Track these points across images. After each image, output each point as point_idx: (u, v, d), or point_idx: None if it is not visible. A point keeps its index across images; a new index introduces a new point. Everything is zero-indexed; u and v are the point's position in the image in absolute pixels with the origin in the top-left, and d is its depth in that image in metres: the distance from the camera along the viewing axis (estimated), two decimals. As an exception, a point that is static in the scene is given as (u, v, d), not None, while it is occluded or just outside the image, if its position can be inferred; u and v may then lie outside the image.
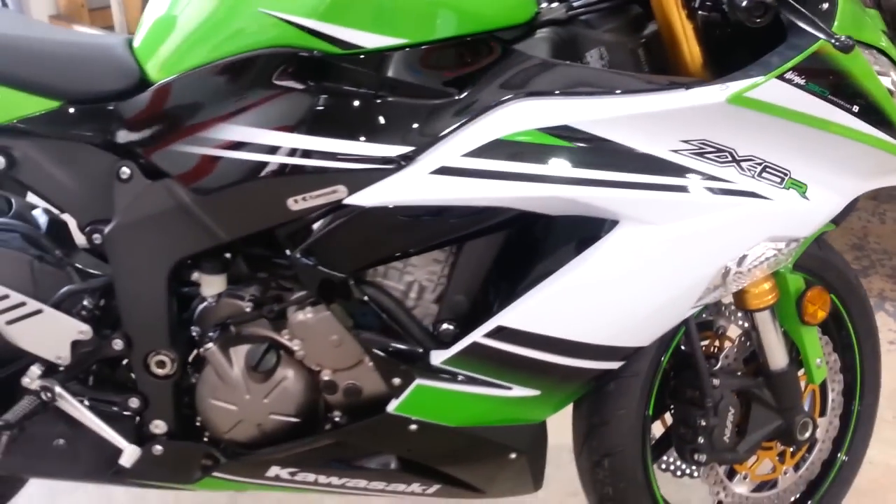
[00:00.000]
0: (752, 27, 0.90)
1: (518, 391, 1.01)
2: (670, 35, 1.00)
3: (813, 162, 0.95)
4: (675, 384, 1.19)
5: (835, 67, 0.91)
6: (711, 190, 0.92)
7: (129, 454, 1.06)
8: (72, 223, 1.11)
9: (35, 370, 1.06)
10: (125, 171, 1.00)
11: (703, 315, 1.20)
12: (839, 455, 1.33)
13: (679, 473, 1.27)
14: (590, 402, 1.16)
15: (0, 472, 1.15)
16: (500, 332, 0.96)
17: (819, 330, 1.20)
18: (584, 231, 0.97)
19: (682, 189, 0.91)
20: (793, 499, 1.33)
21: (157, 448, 1.09)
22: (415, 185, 0.91)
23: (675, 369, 1.19)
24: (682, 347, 1.18)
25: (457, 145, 0.90)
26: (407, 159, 0.91)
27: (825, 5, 0.91)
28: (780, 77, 0.88)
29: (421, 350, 1.00)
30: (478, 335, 0.97)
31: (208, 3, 0.96)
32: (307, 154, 0.94)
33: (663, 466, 1.25)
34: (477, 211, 0.93)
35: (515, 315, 0.95)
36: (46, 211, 1.18)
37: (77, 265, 1.09)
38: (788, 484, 1.30)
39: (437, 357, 0.99)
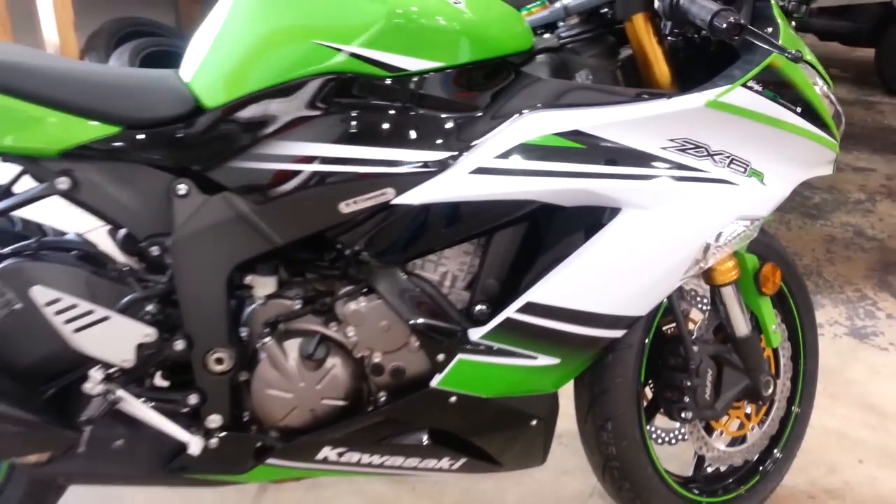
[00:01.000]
0: (725, 43, 1.12)
1: (542, 360, 1.18)
2: (643, 57, 1.22)
3: (767, 155, 1.18)
4: (661, 355, 1.39)
5: (782, 77, 1.14)
6: (693, 179, 1.13)
7: (194, 445, 1.15)
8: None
9: (97, 375, 1.14)
10: (182, 188, 1.12)
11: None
12: (793, 409, 1.55)
13: (668, 439, 1.45)
14: (591, 374, 1.33)
15: (62, 479, 1.21)
16: (529, 308, 1.13)
17: (771, 301, 1.43)
18: (590, 219, 1.15)
19: (671, 178, 1.12)
20: (759, 452, 1.54)
21: (213, 441, 1.19)
22: (457, 184, 1.07)
23: (656, 344, 1.39)
24: (663, 328, 1.38)
25: (489, 149, 1.08)
26: (447, 163, 1.08)
27: (769, 29, 1.15)
28: (744, 85, 1.11)
29: (460, 329, 1.15)
30: (510, 311, 1.13)
31: (260, 37, 1.09)
32: (357, 163, 1.08)
33: (653, 437, 1.43)
34: (506, 204, 1.11)
35: (541, 292, 1.13)
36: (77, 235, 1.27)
37: (135, 275, 1.18)
38: (755, 439, 1.51)
39: (476, 334, 1.15)
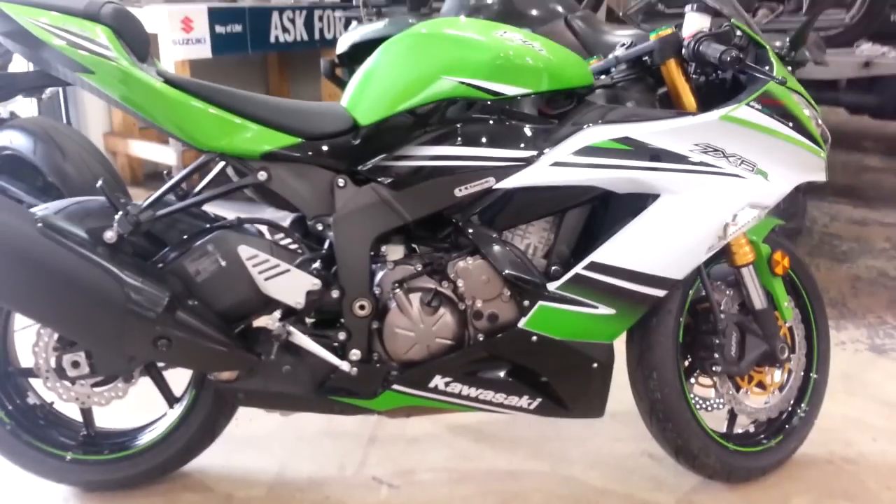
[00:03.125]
0: (731, 75, 1.55)
1: (602, 310, 1.56)
2: (675, 92, 1.65)
3: (769, 158, 1.58)
4: (695, 329, 1.76)
5: (777, 99, 1.56)
6: (713, 172, 1.53)
7: (346, 367, 1.56)
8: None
9: (275, 315, 1.57)
10: (341, 181, 1.57)
11: (702, 292, 1.78)
12: (811, 375, 1.89)
13: (705, 406, 1.78)
14: (639, 334, 1.71)
15: (242, 396, 1.60)
16: (592, 266, 1.53)
17: (783, 283, 1.80)
18: (637, 204, 1.56)
19: (697, 172, 1.53)
20: (781, 412, 1.87)
21: (354, 370, 1.60)
22: (540, 174, 1.51)
23: (689, 330, 1.76)
24: (696, 307, 1.76)
25: (564, 149, 1.51)
26: (533, 158, 1.51)
27: (766, 67, 1.57)
28: (748, 104, 1.53)
29: (541, 281, 1.55)
30: (579, 268, 1.54)
31: (402, 73, 1.56)
32: (468, 159, 1.52)
33: (693, 402, 1.77)
34: (575, 190, 1.53)
35: (601, 253, 1.53)
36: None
37: (304, 244, 1.62)
38: (777, 401, 1.85)
39: (553, 286, 1.55)
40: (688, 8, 1.66)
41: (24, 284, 1.43)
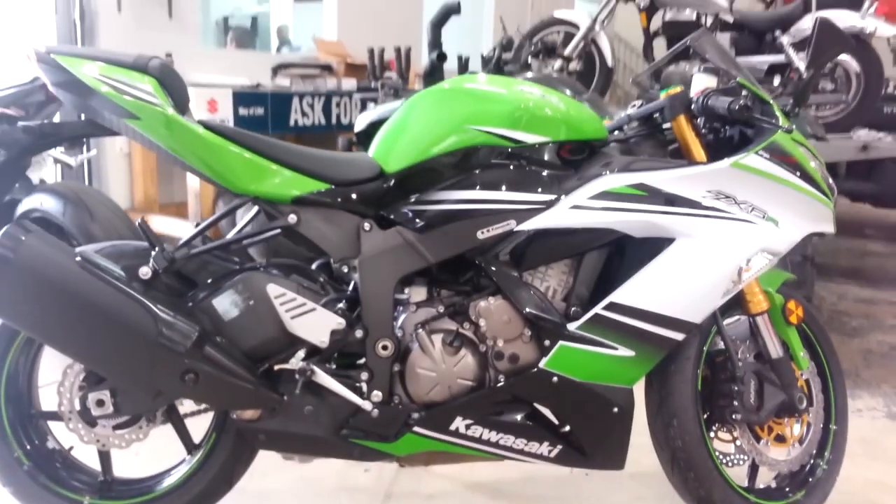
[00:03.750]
0: (739, 132, 1.64)
1: (622, 351, 1.59)
2: (686, 146, 1.73)
3: (779, 206, 1.64)
4: (713, 380, 1.78)
5: (784, 149, 1.64)
6: (726, 218, 1.60)
7: (368, 406, 1.57)
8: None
9: (300, 354, 1.60)
10: (367, 225, 1.63)
11: (718, 345, 1.81)
12: (830, 426, 1.88)
13: (726, 462, 1.77)
14: (658, 381, 1.73)
15: (262, 437, 1.61)
16: (611, 306, 1.57)
17: (798, 334, 1.82)
18: (653, 250, 1.62)
19: (710, 217, 1.59)
20: (802, 465, 1.85)
21: (375, 411, 1.61)
22: (560, 216, 1.57)
23: (709, 369, 1.78)
24: (714, 359, 1.78)
25: (582, 193, 1.58)
26: (552, 202, 1.58)
27: (773, 120, 1.66)
28: (756, 153, 1.61)
29: (561, 322, 1.59)
30: (598, 308, 1.57)
31: (428, 124, 1.64)
32: (490, 202, 1.59)
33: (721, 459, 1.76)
34: (593, 233, 1.58)
35: (620, 294, 1.57)
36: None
37: (330, 285, 1.66)
38: (797, 453, 1.83)
39: (573, 326, 1.58)
40: (695, 70, 1.77)
41: (58, 315, 1.47)
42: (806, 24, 4.57)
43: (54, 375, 1.62)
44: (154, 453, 1.80)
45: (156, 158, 4.20)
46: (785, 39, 4.63)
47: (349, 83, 5.14)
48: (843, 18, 4.46)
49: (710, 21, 4.65)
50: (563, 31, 4.92)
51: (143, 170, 4.39)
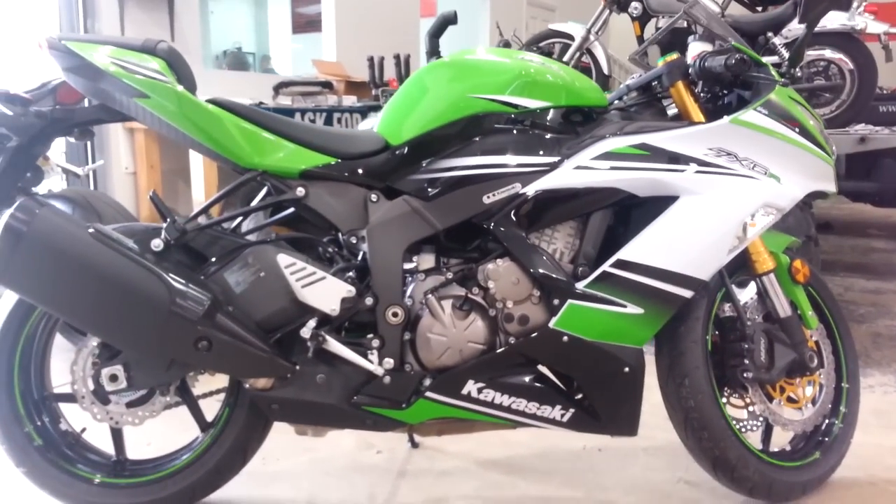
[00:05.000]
0: (737, 96, 1.67)
1: (630, 309, 1.60)
2: (685, 112, 1.76)
3: (780, 163, 1.66)
4: (723, 342, 1.78)
5: (783, 105, 1.67)
6: (728, 174, 1.62)
7: (380, 371, 1.58)
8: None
9: (311, 323, 1.60)
10: (374, 196, 1.65)
11: (726, 309, 1.82)
12: (843, 384, 1.88)
13: (738, 427, 1.75)
14: (668, 343, 1.73)
15: (276, 407, 1.61)
16: (619, 263, 1.58)
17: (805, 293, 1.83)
18: (657, 210, 1.63)
19: (713, 173, 1.61)
20: (815, 426, 1.85)
21: (387, 378, 1.61)
22: (564, 177, 1.59)
23: (718, 331, 1.79)
24: (721, 316, 1.79)
25: (585, 155, 1.60)
26: (556, 164, 1.60)
27: (767, 81, 1.70)
28: (756, 109, 1.63)
29: (570, 281, 1.60)
30: (606, 266, 1.58)
31: (431, 96, 1.68)
32: (495, 167, 1.61)
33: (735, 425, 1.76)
34: (597, 192, 1.60)
35: (627, 251, 1.58)
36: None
37: (339, 255, 1.68)
38: (811, 414, 1.83)
39: (581, 284, 1.59)
40: (691, 39, 1.81)
41: (72, 286, 1.48)
42: (797, 26, 4.64)
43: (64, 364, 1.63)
44: (166, 442, 1.80)
45: (160, 176, 4.24)
46: (777, 41, 4.69)
47: (350, 100, 5.21)
48: (834, 17, 4.53)
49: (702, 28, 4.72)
50: (560, 44, 5.01)
51: (148, 188, 4.42)
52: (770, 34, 4.89)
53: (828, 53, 4.63)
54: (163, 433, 1.82)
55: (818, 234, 3.44)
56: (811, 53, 4.57)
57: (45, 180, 2.77)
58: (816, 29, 4.45)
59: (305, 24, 9.29)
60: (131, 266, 1.50)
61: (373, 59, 3.90)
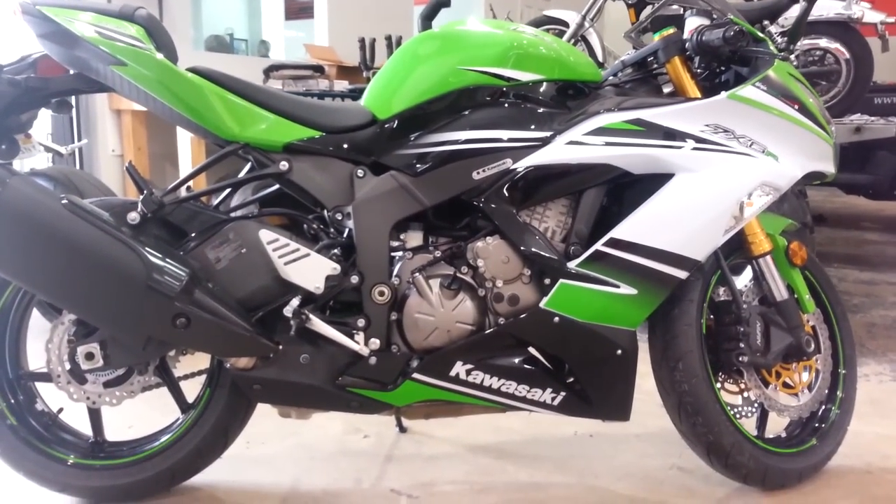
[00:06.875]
0: (734, 73, 1.62)
1: (623, 289, 1.55)
2: (682, 88, 1.70)
3: (779, 142, 1.62)
4: (718, 325, 1.73)
5: (782, 81, 1.62)
6: (725, 151, 1.57)
7: (365, 352, 1.53)
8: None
9: (294, 302, 1.55)
10: (360, 172, 1.60)
11: (721, 292, 1.78)
12: (840, 370, 1.84)
13: (733, 413, 1.71)
14: (661, 325, 1.68)
15: (258, 388, 1.56)
16: (612, 242, 1.53)
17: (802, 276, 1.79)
18: (651, 189, 1.58)
19: (709, 150, 1.56)
20: (811, 412, 1.81)
21: (373, 359, 1.56)
22: (556, 152, 1.54)
23: (713, 313, 1.74)
24: (716, 300, 1.74)
25: (578, 130, 1.55)
26: (548, 139, 1.55)
27: (766, 57, 1.64)
28: (754, 85, 1.58)
29: (561, 260, 1.55)
30: (599, 244, 1.54)
31: (420, 68, 1.62)
32: (485, 142, 1.56)
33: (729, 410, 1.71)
34: (591, 168, 1.55)
35: (620, 230, 1.53)
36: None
37: (324, 231, 1.62)
38: (807, 400, 1.79)
39: (573, 263, 1.54)
40: (688, 13, 1.76)
41: (45, 259, 1.42)
42: (793, 13, 4.60)
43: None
44: (149, 426, 1.75)
45: (147, 159, 4.16)
46: (773, 29, 4.64)
47: (341, 84, 5.13)
48: (830, 6, 4.49)
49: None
50: (556, 31, 4.95)
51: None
52: (766, 22, 4.86)
53: (823, 42, 4.59)
54: (147, 416, 1.76)
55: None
56: (806, 42, 4.54)
57: (28, 159, 2.71)
58: (812, 17, 4.41)
59: (298, 10, 9.19)
60: (106, 238, 1.44)
61: (364, 41, 3.83)
